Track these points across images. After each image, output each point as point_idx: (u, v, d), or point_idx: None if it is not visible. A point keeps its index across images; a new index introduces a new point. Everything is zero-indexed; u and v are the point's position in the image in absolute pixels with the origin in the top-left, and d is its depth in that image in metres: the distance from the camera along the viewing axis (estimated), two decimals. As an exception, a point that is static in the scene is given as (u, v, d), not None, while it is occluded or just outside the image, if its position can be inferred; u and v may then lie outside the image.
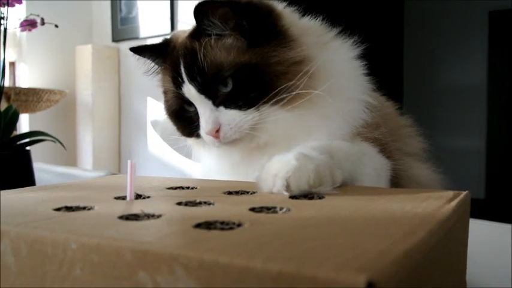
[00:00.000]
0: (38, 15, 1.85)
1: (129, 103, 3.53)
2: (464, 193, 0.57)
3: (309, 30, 0.80)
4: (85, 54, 3.45)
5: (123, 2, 3.51)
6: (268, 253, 0.33)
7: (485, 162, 5.35)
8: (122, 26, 3.52)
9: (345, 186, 0.66)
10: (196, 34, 0.79)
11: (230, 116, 0.75)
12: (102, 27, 3.68)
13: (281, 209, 0.49)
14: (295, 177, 0.57)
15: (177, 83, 0.80)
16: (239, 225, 0.42)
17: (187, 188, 0.66)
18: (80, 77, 3.50)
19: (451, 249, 0.48)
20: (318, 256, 0.32)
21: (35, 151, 1.73)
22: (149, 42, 3.33)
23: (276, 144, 0.77)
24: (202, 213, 0.48)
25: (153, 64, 0.88)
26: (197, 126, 0.80)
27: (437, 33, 5.49)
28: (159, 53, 0.86)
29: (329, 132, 0.77)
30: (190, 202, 0.54)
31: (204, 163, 0.90)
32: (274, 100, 0.74)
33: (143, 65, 0.89)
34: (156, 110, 3.25)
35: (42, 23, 1.89)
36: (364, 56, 0.85)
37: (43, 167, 2.11)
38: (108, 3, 3.60)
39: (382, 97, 0.93)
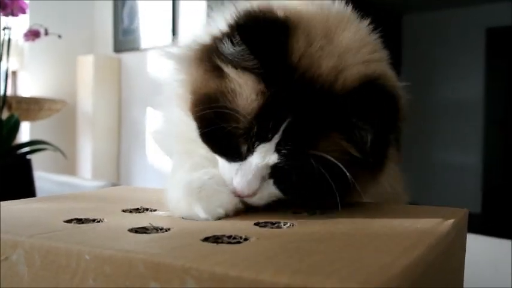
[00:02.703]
0: (41, 25, 1.88)
1: (129, 113, 3.55)
2: (462, 210, 0.59)
3: None
4: (86, 64, 3.48)
5: (125, 13, 3.54)
6: (276, 266, 0.35)
7: (482, 177, 5.38)
8: (123, 37, 3.56)
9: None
10: (344, 126, 0.57)
11: (271, 191, 0.61)
12: (103, 37, 3.71)
13: (285, 223, 0.51)
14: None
15: (264, 132, 0.57)
16: (246, 239, 0.43)
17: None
18: (81, 87, 3.53)
19: (449, 264, 0.50)
20: (323, 270, 0.34)
21: (35, 159, 1.74)
22: (150, 53, 3.37)
23: None
24: (208, 227, 0.49)
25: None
26: (238, 155, 0.60)
27: (435, 50, 5.54)
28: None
29: None
30: (197, 215, 0.55)
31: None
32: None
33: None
34: (156, 120, 3.27)
35: (46, 33, 1.92)
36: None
37: (43, 175, 2.13)
38: (110, 14, 3.64)
39: None
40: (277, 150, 0.57)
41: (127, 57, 3.55)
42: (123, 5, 3.55)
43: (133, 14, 3.49)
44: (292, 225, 0.51)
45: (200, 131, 0.62)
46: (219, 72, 0.60)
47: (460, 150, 5.42)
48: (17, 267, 0.44)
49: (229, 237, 0.44)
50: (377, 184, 0.64)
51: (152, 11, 3.35)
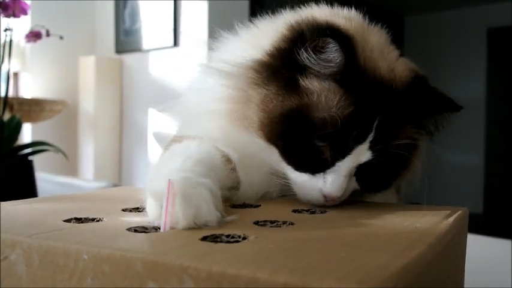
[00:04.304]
0: (43, 27, 1.88)
1: (131, 114, 3.55)
2: (462, 209, 0.59)
3: None
4: (88, 65, 3.48)
5: (126, 14, 3.54)
6: (274, 265, 0.34)
7: (484, 177, 5.37)
8: (125, 38, 3.56)
9: (347, 201, 0.68)
10: (412, 117, 0.66)
11: (351, 187, 0.65)
12: (105, 38, 3.71)
13: (284, 222, 0.51)
14: None
15: (362, 133, 0.61)
16: (244, 238, 0.43)
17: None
18: (82, 88, 3.53)
19: (448, 263, 0.50)
20: (320, 269, 0.34)
21: (37, 160, 1.75)
22: (152, 54, 3.37)
23: None
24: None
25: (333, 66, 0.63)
26: (324, 164, 0.62)
27: (437, 50, 5.53)
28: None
29: None
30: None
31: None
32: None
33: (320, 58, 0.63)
34: (157, 121, 3.27)
35: (48, 35, 1.92)
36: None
37: (45, 176, 2.13)
38: (112, 14, 3.64)
39: None
40: (370, 147, 0.62)
41: (129, 58, 3.55)
42: (124, 6, 3.56)
43: (134, 15, 3.49)
44: (291, 224, 0.50)
45: (280, 147, 0.64)
46: (292, 88, 0.63)
47: (461, 150, 5.41)
48: (16, 266, 0.44)
49: (228, 236, 0.44)
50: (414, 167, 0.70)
51: (154, 12, 3.35)
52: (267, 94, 0.64)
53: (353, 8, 0.71)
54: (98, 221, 0.52)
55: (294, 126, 0.62)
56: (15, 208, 0.60)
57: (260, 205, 0.63)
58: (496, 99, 5.29)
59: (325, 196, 0.62)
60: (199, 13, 3.05)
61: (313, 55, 0.62)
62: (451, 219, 0.53)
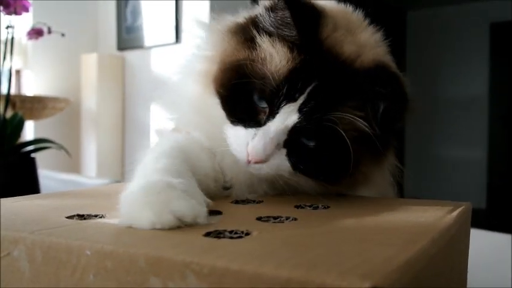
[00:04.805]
0: (44, 24, 1.88)
1: (133, 111, 3.55)
2: (465, 204, 0.59)
3: None
4: (90, 62, 3.48)
5: (128, 11, 3.54)
6: (277, 260, 0.34)
7: (487, 173, 5.36)
8: (127, 35, 3.56)
9: (350, 196, 0.68)
10: (360, 97, 0.63)
11: (281, 163, 0.64)
12: (107, 36, 3.71)
13: (287, 218, 0.51)
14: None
15: (292, 91, 0.61)
16: (247, 234, 0.43)
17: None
18: (84, 85, 3.53)
19: (452, 257, 0.50)
20: (324, 263, 0.34)
21: (39, 158, 1.75)
22: (154, 51, 3.37)
23: None
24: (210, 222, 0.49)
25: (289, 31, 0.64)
26: (257, 122, 0.64)
27: (439, 45, 5.51)
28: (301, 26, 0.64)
29: None
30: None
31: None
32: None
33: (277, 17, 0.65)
34: (159, 118, 3.27)
35: (49, 32, 1.92)
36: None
37: (48, 174, 2.13)
38: (114, 12, 3.64)
39: None
40: (300, 110, 0.61)
41: (131, 55, 3.55)
42: (126, 3, 3.56)
43: (136, 12, 3.49)
44: (295, 220, 0.50)
45: (222, 97, 0.67)
46: (250, 44, 0.66)
47: (465, 146, 5.40)
48: (19, 263, 0.44)
49: (231, 232, 0.44)
50: (381, 170, 0.69)
51: (155, 9, 3.34)
52: (228, 47, 0.68)
53: (358, 7, 0.74)
54: (101, 217, 0.52)
55: (237, 77, 0.65)
56: (17, 205, 0.60)
57: (262, 201, 0.63)
58: (499, 95, 5.27)
59: (248, 155, 0.63)
60: (200, 9, 3.04)
61: (274, 15, 0.65)
62: (455, 213, 0.53)
